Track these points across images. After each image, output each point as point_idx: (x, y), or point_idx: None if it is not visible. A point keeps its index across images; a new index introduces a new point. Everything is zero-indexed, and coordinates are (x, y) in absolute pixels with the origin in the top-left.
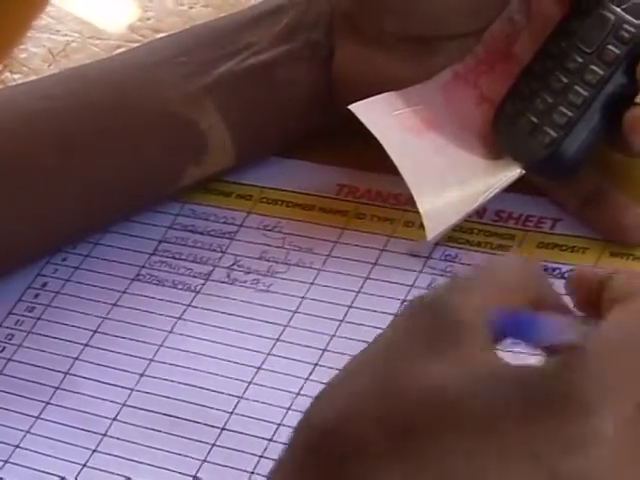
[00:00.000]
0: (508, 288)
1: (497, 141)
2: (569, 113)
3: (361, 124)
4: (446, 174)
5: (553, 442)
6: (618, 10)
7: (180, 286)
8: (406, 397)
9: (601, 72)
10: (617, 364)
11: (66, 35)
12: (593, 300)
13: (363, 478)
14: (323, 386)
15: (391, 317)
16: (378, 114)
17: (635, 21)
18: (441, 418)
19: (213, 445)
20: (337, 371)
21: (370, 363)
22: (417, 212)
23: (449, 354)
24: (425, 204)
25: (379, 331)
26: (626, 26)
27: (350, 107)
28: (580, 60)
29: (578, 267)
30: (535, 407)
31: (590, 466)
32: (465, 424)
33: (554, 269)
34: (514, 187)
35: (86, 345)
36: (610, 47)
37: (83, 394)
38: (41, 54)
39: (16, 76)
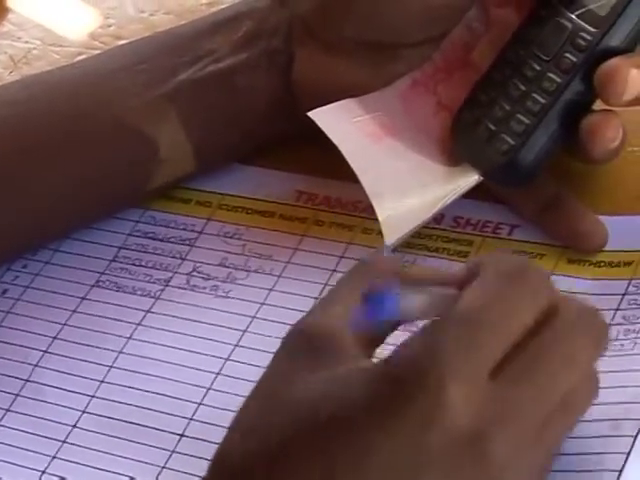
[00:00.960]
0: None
1: (455, 148)
2: (526, 121)
3: (321, 131)
4: (405, 180)
5: (410, 422)
6: (575, 18)
7: (140, 292)
8: (280, 411)
9: (558, 80)
10: (466, 335)
11: (27, 42)
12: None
13: None
14: None
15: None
16: (337, 121)
17: (591, 29)
18: (307, 426)
19: (172, 452)
20: None
21: (258, 390)
22: (376, 219)
23: (320, 367)
24: (383, 210)
25: None
26: (583, 34)
27: (309, 114)
28: (538, 68)
29: None
30: (388, 393)
31: (449, 436)
32: (325, 426)
33: None
34: (472, 193)
35: (46, 352)
36: (567, 55)
37: (43, 401)
38: (2, 61)
39: None
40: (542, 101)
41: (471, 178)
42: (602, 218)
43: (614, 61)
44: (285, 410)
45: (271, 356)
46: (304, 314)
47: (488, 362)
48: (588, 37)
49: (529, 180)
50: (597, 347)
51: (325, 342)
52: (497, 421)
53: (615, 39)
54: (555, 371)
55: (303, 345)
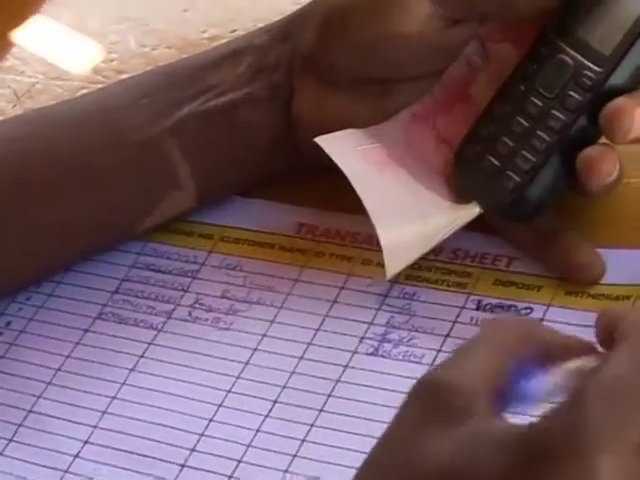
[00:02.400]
0: (507, 349)
1: (458, 182)
2: (533, 158)
3: (320, 164)
4: (407, 210)
5: None
6: (577, 55)
7: (142, 324)
8: (409, 469)
9: (564, 118)
10: (613, 407)
11: (31, 76)
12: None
13: None
14: (282, 423)
15: (349, 354)
16: (343, 147)
17: (596, 68)
18: None
19: None
20: (297, 408)
21: (387, 450)
22: (375, 250)
23: (452, 431)
24: (386, 237)
25: (338, 368)
26: (587, 72)
27: (316, 139)
28: (541, 105)
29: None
30: (528, 461)
31: None
32: None
33: (510, 306)
34: (470, 226)
35: (49, 383)
36: (572, 93)
37: (46, 431)
38: (6, 95)
39: None
40: (548, 139)
41: (472, 211)
42: (600, 250)
43: (620, 100)
44: (398, 459)
45: (274, 389)
46: (434, 367)
47: (635, 434)
48: (593, 76)
49: (534, 217)
50: None
51: (458, 398)
52: None
53: (620, 78)
54: None
55: (435, 399)
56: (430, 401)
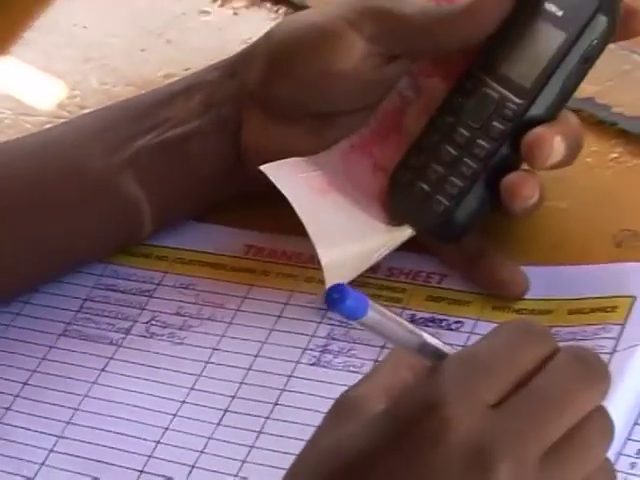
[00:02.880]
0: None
1: (392, 206)
2: (460, 184)
3: (267, 190)
4: (346, 232)
5: (419, 442)
6: (500, 89)
7: (103, 340)
8: (316, 455)
9: (488, 146)
10: (466, 372)
11: (0, 112)
12: None
13: None
14: (232, 431)
15: (293, 364)
16: (286, 175)
17: (517, 100)
18: (334, 463)
19: None
20: (245, 416)
21: (304, 449)
22: (317, 269)
23: (347, 428)
24: (326, 257)
25: (283, 378)
26: (509, 104)
27: (261, 167)
28: (467, 134)
29: None
30: (397, 427)
31: (454, 450)
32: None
33: (441, 320)
34: (405, 246)
35: (17, 396)
36: (495, 124)
37: (14, 441)
38: None
39: None
40: (473, 166)
41: (405, 232)
42: (523, 268)
43: (539, 129)
44: (313, 456)
45: (225, 399)
46: (351, 385)
47: (488, 394)
48: (514, 107)
49: (461, 237)
50: (593, 384)
51: (357, 405)
52: (499, 444)
53: (539, 109)
54: (550, 403)
55: (341, 409)
56: (339, 411)
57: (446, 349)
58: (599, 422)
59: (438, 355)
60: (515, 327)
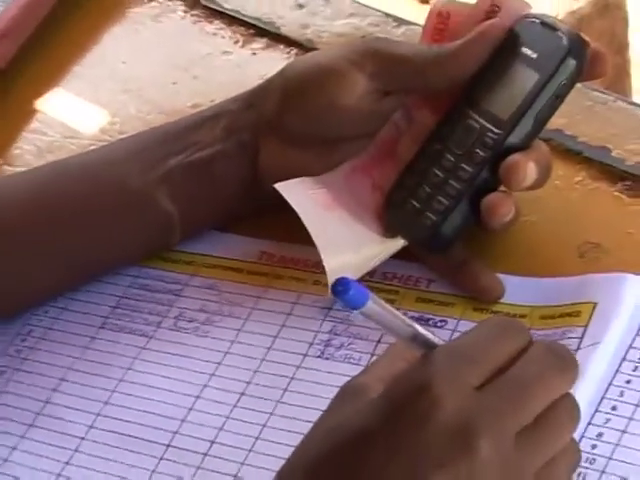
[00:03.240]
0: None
1: (387, 220)
2: (446, 202)
3: (279, 205)
4: (347, 242)
5: (409, 420)
6: (482, 120)
7: (137, 332)
8: (317, 435)
9: (471, 170)
10: (453, 360)
11: (51, 136)
12: None
13: None
14: (247, 412)
15: (301, 356)
16: (296, 191)
17: (496, 130)
18: (333, 441)
19: (161, 459)
20: (259, 400)
21: (312, 428)
22: (322, 274)
23: (350, 409)
24: (330, 263)
25: (292, 368)
26: (489, 134)
27: (275, 185)
28: (452, 160)
29: None
30: (391, 406)
31: (442, 428)
32: (345, 441)
33: (429, 319)
34: (398, 254)
35: (62, 379)
36: (477, 151)
37: (60, 418)
38: (32, 150)
39: (11, 168)
40: (458, 187)
41: (398, 243)
42: (500, 275)
43: (515, 156)
44: (320, 434)
45: (241, 384)
46: (354, 375)
47: (472, 379)
48: (494, 137)
49: (447, 247)
50: (564, 372)
51: (359, 391)
52: (482, 421)
53: (515, 138)
54: (525, 388)
55: (346, 394)
56: (343, 396)
57: (436, 340)
58: (567, 406)
59: (428, 345)
60: (496, 322)
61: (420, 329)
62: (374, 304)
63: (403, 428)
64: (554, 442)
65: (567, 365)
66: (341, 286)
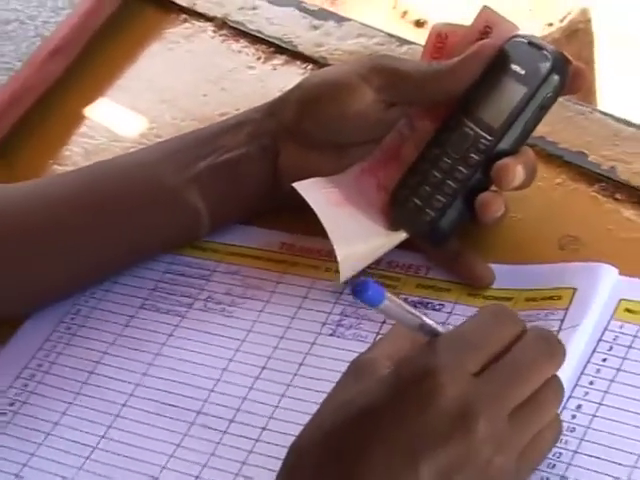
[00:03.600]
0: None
1: (392, 216)
2: (443, 200)
3: (296, 203)
4: (356, 235)
5: (413, 403)
6: (476, 128)
7: (172, 312)
8: (330, 409)
9: (466, 172)
10: (455, 347)
11: (97, 139)
12: None
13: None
14: (268, 383)
15: (315, 335)
16: (312, 190)
17: (489, 137)
18: (345, 414)
19: (192, 424)
20: (278, 373)
21: (325, 402)
22: (334, 262)
23: (360, 385)
24: (341, 254)
25: (307, 345)
26: (482, 140)
27: (294, 184)
28: (450, 162)
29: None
30: (399, 385)
31: (442, 411)
32: (360, 420)
33: (428, 303)
34: (401, 245)
35: (105, 353)
36: (472, 155)
37: (103, 387)
38: (80, 152)
39: (61, 167)
40: (454, 186)
41: (401, 235)
42: (491, 265)
43: (505, 160)
44: (332, 408)
45: (262, 359)
46: (362, 352)
47: (471, 365)
48: (487, 143)
49: (444, 241)
50: (552, 357)
51: (368, 366)
52: (479, 405)
53: (506, 144)
54: (520, 373)
55: (356, 368)
56: (353, 370)
57: (440, 329)
58: (554, 387)
59: (433, 333)
60: (493, 312)
61: (426, 319)
62: (389, 302)
63: (408, 406)
64: (542, 418)
65: (557, 351)
66: (360, 286)
